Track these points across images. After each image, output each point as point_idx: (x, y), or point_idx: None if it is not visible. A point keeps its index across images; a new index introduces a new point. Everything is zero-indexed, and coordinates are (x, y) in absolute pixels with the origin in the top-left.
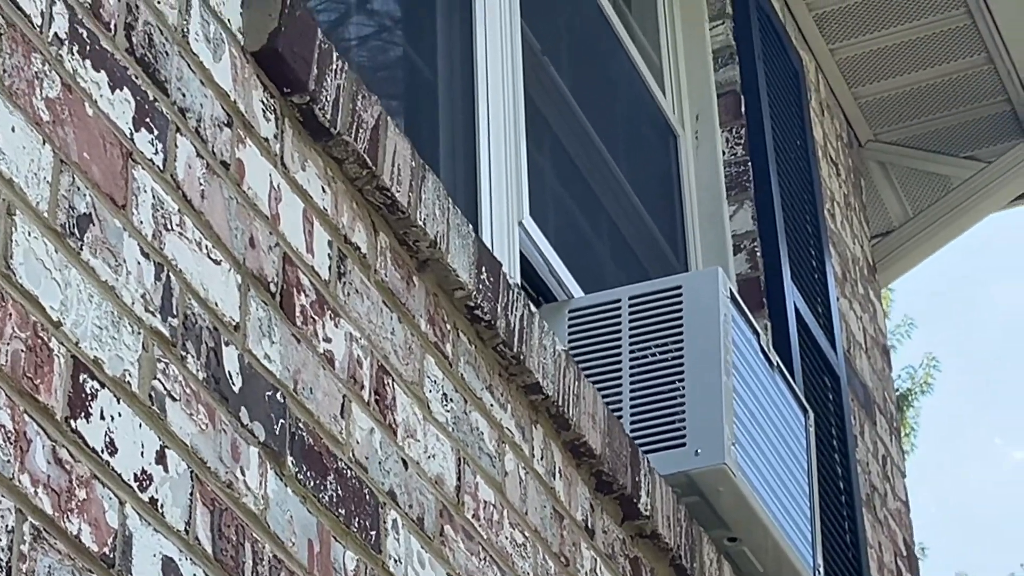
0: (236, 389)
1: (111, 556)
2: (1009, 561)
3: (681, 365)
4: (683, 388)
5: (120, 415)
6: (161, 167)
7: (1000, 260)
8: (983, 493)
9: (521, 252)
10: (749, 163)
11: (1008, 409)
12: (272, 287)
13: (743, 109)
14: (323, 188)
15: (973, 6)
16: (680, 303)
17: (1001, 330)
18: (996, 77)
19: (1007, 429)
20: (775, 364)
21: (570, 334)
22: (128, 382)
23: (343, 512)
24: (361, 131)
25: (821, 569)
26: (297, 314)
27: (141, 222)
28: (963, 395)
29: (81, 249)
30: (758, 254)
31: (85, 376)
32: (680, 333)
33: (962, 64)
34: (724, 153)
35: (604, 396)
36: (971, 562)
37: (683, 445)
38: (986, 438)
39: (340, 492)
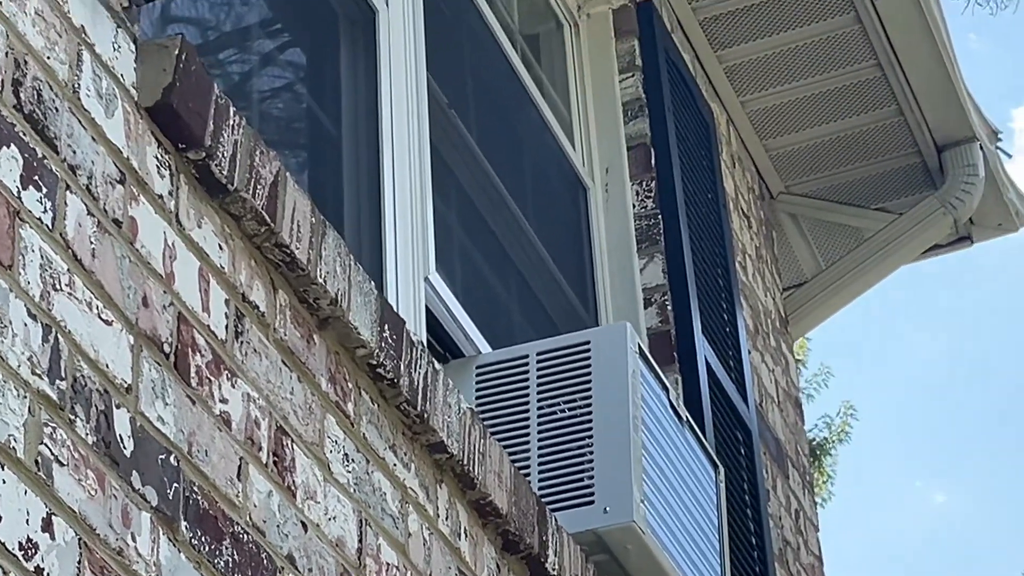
0: (127, 453)
1: None
2: None
3: (590, 421)
4: (591, 445)
5: (4, 482)
6: (50, 225)
7: (915, 307)
8: (906, 536)
9: (428, 308)
10: (659, 216)
11: (927, 453)
12: (166, 347)
13: (653, 162)
14: (220, 246)
15: (883, 59)
16: (588, 359)
17: (917, 376)
18: (906, 129)
19: (927, 472)
20: (684, 419)
21: (478, 391)
22: (13, 447)
23: None
24: (259, 187)
25: None
26: (192, 375)
27: (28, 282)
28: (882, 441)
29: None
30: (669, 308)
31: None
32: (588, 389)
33: (872, 116)
34: (634, 206)
35: (512, 453)
36: None
37: (591, 503)
38: (906, 482)
39: (236, 557)
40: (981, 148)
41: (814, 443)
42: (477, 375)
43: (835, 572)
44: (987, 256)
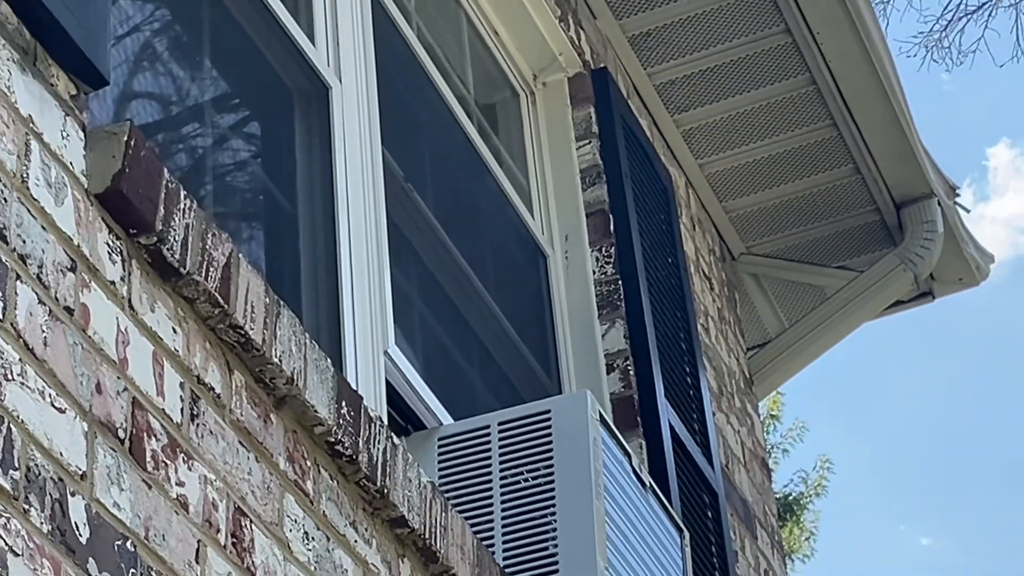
0: (83, 540)
1: None
2: None
3: (552, 490)
4: (555, 513)
5: None
6: (0, 315)
7: (890, 355)
8: None
9: (388, 381)
10: (620, 281)
11: (909, 496)
12: (121, 433)
13: (612, 227)
14: (174, 329)
15: (838, 118)
16: (549, 428)
17: (896, 421)
18: (864, 187)
19: (910, 516)
20: (648, 485)
21: (440, 462)
22: None
23: None
24: (212, 269)
25: None
26: (148, 459)
27: None
28: (863, 490)
29: None
30: (631, 373)
31: None
32: (551, 458)
33: (830, 175)
34: (594, 272)
35: (476, 524)
36: None
37: (556, 571)
38: (891, 527)
39: None
40: (939, 204)
41: (790, 498)
42: (439, 447)
43: None
44: (963, 302)
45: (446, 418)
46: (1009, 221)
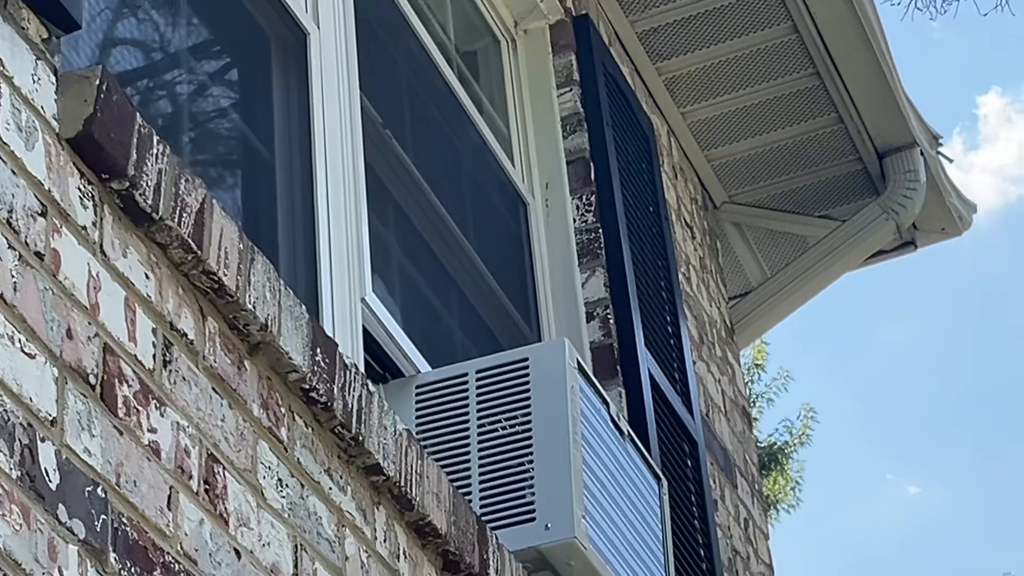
0: (53, 486)
1: None
2: None
3: (530, 438)
4: (532, 462)
5: None
6: None
7: (879, 304)
8: (882, 531)
9: (366, 329)
10: (600, 230)
11: (896, 445)
12: (92, 379)
13: (593, 176)
14: (146, 275)
15: (821, 67)
16: (527, 375)
17: (881, 370)
18: (847, 137)
19: (898, 465)
20: (626, 433)
21: (418, 410)
22: None
23: None
24: (185, 215)
25: None
26: (119, 405)
27: None
28: (850, 439)
29: None
30: (611, 321)
31: None
32: (528, 406)
33: (813, 124)
34: (575, 220)
35: (454, 472)
36: None
37: (532, 520)
38: (878, 477)
39: None
40: (922, 154)
41: (775, 447)
42: (417, 394)
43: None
44: (951, 250)
45: (424, 366)
46: (999, 170)
